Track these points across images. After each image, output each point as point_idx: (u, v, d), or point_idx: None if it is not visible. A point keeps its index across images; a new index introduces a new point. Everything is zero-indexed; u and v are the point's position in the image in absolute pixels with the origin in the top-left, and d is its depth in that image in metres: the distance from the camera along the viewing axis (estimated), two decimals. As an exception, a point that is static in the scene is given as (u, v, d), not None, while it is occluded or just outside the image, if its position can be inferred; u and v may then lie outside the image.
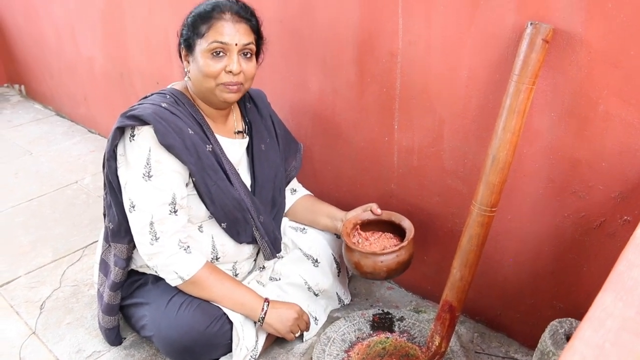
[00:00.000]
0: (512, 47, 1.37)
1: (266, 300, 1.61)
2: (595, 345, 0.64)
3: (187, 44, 1.53)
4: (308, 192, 1.94)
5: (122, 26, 2.75)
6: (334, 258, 1.83)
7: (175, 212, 1.49)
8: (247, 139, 1.71)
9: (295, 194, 1.91)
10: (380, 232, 1.78)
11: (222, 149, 1.60)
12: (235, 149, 1.66)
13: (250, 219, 1.64)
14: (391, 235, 1.77)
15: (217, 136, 1.61)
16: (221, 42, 1.47)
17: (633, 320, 0.67)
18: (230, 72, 1.49)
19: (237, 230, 1.64)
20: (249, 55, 1.53)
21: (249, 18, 1.54)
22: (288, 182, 1.87)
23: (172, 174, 1.49)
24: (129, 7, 2.64)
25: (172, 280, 1.54)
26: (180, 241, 1.51)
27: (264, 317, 1.59)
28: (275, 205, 1.77)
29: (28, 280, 2.10)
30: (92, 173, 2.92)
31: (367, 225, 1.78)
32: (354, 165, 1.93)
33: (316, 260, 1.79)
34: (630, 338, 0.65)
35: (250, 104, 1.76)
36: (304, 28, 1.84)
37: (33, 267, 2.17)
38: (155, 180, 1.47)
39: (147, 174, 1.47)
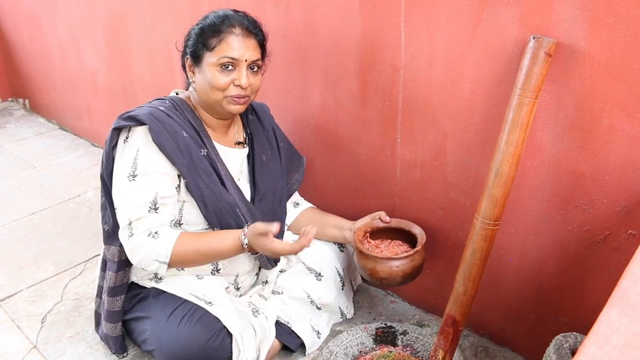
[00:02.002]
0: (515, 61, 1.37)
1: (243, 231, 1.50)
2: (600, 361, 0.63)
3: (195, 55, 1.54)
4: (311, 205, 1.94)
5: (125, 40, 2.77)
6: (338, 272, 1.83)
7: (155, 209, 1.49)
8: (246, 149, 1.71)
9: (298, 207, 1.90)
10: (389, 240, 1.79)
11: (218, 154, 1.61)
12: (233, 158, 1.66)
13: (244, 224, 1.63)
14: (400, 242, 1.78)
15: (215, 144, 1.63)
16: (231, 58, 1.50)
17: (638, 336, 0.66)
18: (239, 85, 1.51)
19: None
20: (255, 69, 1.56)
21: (257, 33, 1.56)
22: (290, 196, 1.87)
23: (157, 175, 1.50)
24: (132, 21, 2.66)
25: (159, 269, 1.48)
26: (149, 233, 1.47)
27: (247, 243, 1.49)
28: (275, 217, 1.76)
29: (29, 294, 2.09)
30: (95, 187, 2.92)
31: (376, 234, 1.79)
32: (357, 177, 1.92)
33: (319, 274, 1.78)
34: (636, 354, 0.64)
35: (253, 116, 1.76)
36: (306, 41, 1.85)
37: (35, 281, 2.17)
38: (139, 180, 1.49)
39: (132, 174, 1.49)
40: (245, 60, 1.51)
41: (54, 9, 3.24)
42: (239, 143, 1.71)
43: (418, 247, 1.64)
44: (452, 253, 1.75)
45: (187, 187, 1.54)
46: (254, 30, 1.55)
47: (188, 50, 1.57)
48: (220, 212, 1.58)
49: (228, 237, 1.52)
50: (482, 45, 1.43)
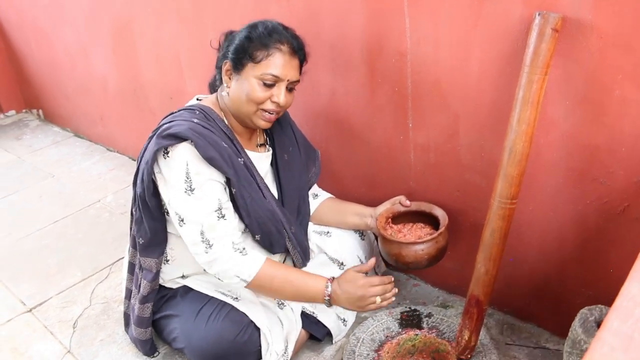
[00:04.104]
0: (522, 39, 1.36)
1: (329, 280, 1.55)
2: (624, 335, 0.64)
3: (237, 62, 1.52)
4: (330, 195, 1.95)
5: (132, 44, 2.79)
6: (360, 260, 1.84)
7: (223, 216, 1.49)
8: (270, 152, 1.72)
9: (318, 198, 1.91)
10: (411, 224, 1.79)
11: (251, 162, 1.61)
12: (262, 163, 1.67)
13: (283, 230, 1.64)
14: (422, 225, 1.78)
15: (247, 150, 1.62)
16: (275, 75, 1.49)
17: (661, 308, 0.67)
18: (276, 102, 1.51)
19: (270, 241, 1.64)
20: (291, 89, 1.56)
21: (302, 54, 1.57)
22: (309, 189, 1.88)
23: (213, 182, 1.49)
24: (137, 25, 2.68)
25: (236, 285, 1.53)
26: (233, 244, 1.49)
27: (330, 293, 1.53)
28: (300, 214, 1.78)
29: (59, 301, 2.14)
30: (113, 191, 2.96)
31: (397, 218, 1.79)
32: (371, 165, 1.93)
33: (342, 264, 1.80)
34: (660, 326, 0.64)
35: None
36: (311, 32, 1.84)
37: (63, 288, 2.21)
38: (198, 192, 1.47)
39: (190, 188, 1.47)
40: (288, 80, 1.51)
41: (60, 18, 3.26)
42: (260, 145, 1.71)
43: (442, 229, 1.64)
44: (471, 234, 1.75)
45: (233, 196, 1.54)
46: (299, 51, 1.55)
47: (230, 55, 1.54)
48: (262, 220, 1.58)
49: (313, 283, 1.54)
50: (487, 26, 1.42)
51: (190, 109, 1.59)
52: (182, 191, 1.47)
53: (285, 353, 1.63)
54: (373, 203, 1.85)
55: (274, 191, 1.71)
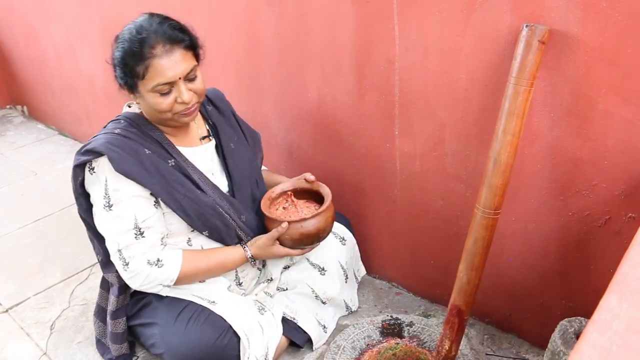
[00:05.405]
0: (509, 49, 1.37)
1: (243, 247, 1.67)
2: (602, 347, 0.64)
3: (129, 86, 1.49)
4: (265, 168, 1.95)
5: (121, 43, 2.76)
6: (341, 265, 1.83)
7: (141, 234, 1.51)
8: (212, 142, 1.71)
9: None
10: (317, 204, 1.76)
11: (186, 160, 1.61)
12: (201, 156, 1.66)
13: (231, 221, 1.64)
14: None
15: (180, 148, 1.62)
16: (165, 83, 1.44)
17: (639, 321, 0.67)
18: (182, 102, 1.48)
19: (220, 235, 1.65)
20: (193, 77, 1.50)
21: (182, 39, 1.47)
22: None
23: (132, 199, 1.50)
24: (126, 24, 2.65)
25: (161, 291, 1.59)
26: (148, 261, 1.52)
27: (252, 257, 1.67)
28: (255, 201, 1.77)
29: (37, 301, 2.11)
30: (97, 190, 2.92)
31: (303, 195, 1.77)
32: (357, 172, 1.93)
33: (323, 269, 1.79)
34: (638, 339, 0.64)
35: (211, 106, 1.76)
36: (301, 38, 1.85)
37: (42, 288, 2.18)
38: (116, 209, 1.49)
39: (108, 204, 1.50)
40: (180, 78, 1.45)
41: (49, 14, 3.24)
42: (203, 137, 1.70)
43: (307, 215, 1.62)
44: (454, 243, 1.75)
45: (164, 202, 1.54)
46: (177, 37, 1.45)
47: (119, 80, 1.51)
48: (204, 217, 1.59)
49: (233, 254, 1.66)
50: (475, 36, 1.43)
51: (116, 119, 1.61)
52: (102, 207, 1.51)
53: (265, 359, 1.62)
54: (359, 210, 1.85)
55: (224, 182, 1.70)
